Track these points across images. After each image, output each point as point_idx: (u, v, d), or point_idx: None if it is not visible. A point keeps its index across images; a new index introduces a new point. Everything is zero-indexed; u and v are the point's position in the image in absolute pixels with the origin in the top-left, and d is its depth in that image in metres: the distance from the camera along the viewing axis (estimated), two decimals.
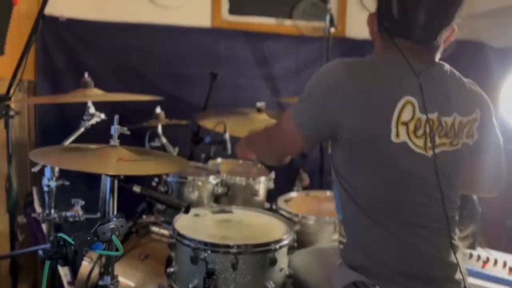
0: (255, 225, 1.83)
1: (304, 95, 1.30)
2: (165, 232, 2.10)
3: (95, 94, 1.81)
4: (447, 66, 1.34)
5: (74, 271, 2.08)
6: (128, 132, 1.54)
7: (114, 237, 1.11)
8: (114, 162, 1.41)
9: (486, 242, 2.81)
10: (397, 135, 1.22)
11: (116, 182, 1.54)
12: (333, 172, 1.36)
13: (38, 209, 2.41)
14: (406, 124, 1.23)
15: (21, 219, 2.66)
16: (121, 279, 1.75)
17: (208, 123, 2.44)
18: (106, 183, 1.54)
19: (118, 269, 1.81)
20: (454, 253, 1.32)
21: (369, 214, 1.28)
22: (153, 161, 1.55)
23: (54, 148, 1.63)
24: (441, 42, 1.30)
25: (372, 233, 1.29)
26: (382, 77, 1.26)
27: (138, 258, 2.00)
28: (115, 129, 1.52)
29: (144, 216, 2.19)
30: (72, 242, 1.12)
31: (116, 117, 1.52)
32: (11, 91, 1.97)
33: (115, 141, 1.53)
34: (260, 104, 2.56)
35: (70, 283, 2.08)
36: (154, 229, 2.14)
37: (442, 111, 1.28)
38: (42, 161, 1.32)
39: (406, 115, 1.23)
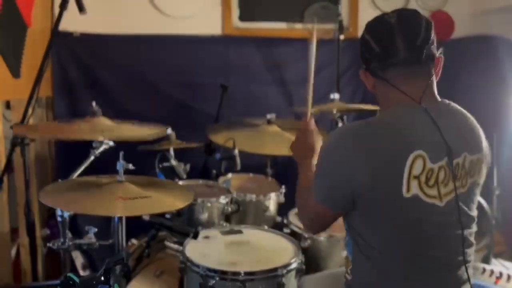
0: (263, 248, 1.85)
1: (318, 170, 1.32)
2: (180, 247, 2.14)
3: (102, 124, 1.86)
4: (451, 103, 1.32)
5: None
6: (133, 168, 1.58)
7: (116, 286, 1.16)
8: (119, 202, 1.46)
9: (505, 244, 2.77)
10: (408, 189, 1.20)
11: None
12: (348, 232, 1.36)
13: None
14: (417, 177, 1.21)
15: (45, 232, 2.77)
16: None
17: (219, 138, 2.48)
18: None
19: (135, 286, 1.87)
20: None
21: (382, 269, 1.28)
22: (158, 197, 1.59)
23: (64, 183, 1.68)
24: (432, 69, 1.28)
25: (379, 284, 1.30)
26: (391, 135, 1.23)
27: (153, 274, 2.04)
28: (121, 165, 1.56)
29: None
30: (78, 283, 1.18)
31: (121, 153, 1.57)
32: (26, 119, 2.04)
33: (121, 177, 1.58)
34: (270, 116, 2.57)
35: None
36: (169, 244, 2.18)
37: (454, 153, 1.25)
38: (51, 203, 1.39)
39: (417, 169, 1.21)
